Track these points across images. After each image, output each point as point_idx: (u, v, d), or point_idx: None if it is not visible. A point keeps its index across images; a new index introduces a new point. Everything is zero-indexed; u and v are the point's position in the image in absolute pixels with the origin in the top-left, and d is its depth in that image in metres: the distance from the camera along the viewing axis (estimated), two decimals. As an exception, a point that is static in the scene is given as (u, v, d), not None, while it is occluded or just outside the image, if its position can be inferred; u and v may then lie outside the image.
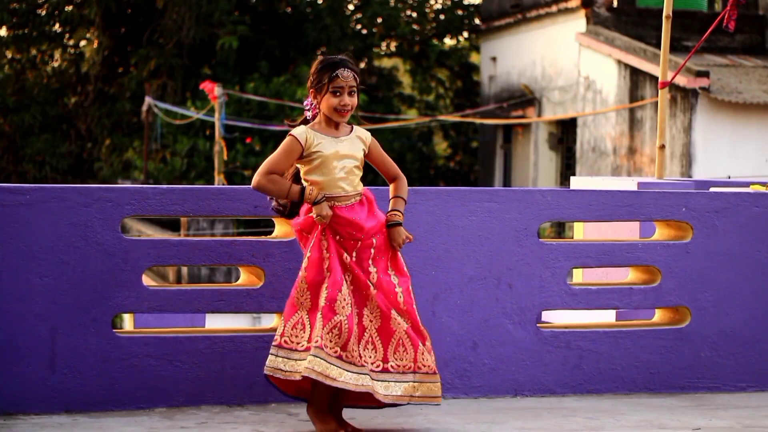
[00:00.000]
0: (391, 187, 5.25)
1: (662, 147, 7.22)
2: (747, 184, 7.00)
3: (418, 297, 5.21)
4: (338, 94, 5.03)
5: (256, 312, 5.87)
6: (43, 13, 33.01)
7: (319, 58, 5.15)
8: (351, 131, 5.15)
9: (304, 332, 4.98)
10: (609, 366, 6.03)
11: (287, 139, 5.06)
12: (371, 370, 4.98)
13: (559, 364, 5.97)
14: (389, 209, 5.18)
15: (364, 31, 33.11)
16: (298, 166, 5.11)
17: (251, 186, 5.11)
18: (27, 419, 5.31)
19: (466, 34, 35.32)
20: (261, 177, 5.04)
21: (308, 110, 5.17)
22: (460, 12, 34.58)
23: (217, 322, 7.72)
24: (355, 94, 5.09)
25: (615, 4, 25.10)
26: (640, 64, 22.74)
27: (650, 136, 22.52)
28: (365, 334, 5.00)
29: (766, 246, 6.20)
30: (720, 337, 6.15)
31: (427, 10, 34.80)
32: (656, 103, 19.88)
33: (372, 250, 5.07)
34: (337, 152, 5.06)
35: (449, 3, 34.79)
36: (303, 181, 5.10)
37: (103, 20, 31.62)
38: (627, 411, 5.69)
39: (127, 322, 11.47)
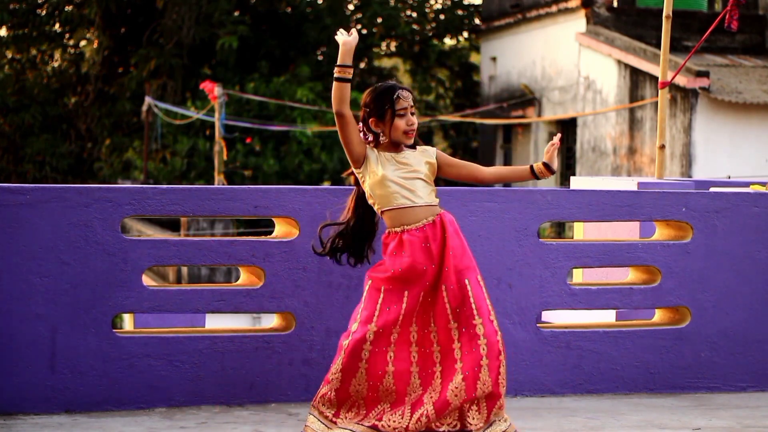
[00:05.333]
0: (494, 169, 5.13)
1: (662, 147, 7.22)
2: (747, 184, 7.00)
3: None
4: (403, 114, 4.96)
5: (256, 312, 5.87)
6: (43, 13, 32.99)
7: (370, 88, 5.04)
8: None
9: None
10: (609, 366, 6.03)
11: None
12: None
13: (559, 364, 5.97)
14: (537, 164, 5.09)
15: (364, 31, 33.04)
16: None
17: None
18: (27, 419, 5.31)
19: (466, 34, 35.30)
20: None
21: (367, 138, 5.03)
22: (460, 12, 34.55)
23: (217, 322, 7.71)
24: (415, 115, 5.02)
25: (615, 4, 25.09)
26: (640, 64, 22.74)
27: (650, 136, 22.52)
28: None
29: (766, 246, 6.19)
30: (720, 337, 6.15)
31: (427, 10, 34.77)
32: (656, 103, 19.87)
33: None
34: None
35: (449, 3, 34.75)
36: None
37: (103, 20, 31.60)
38: (627, 411, 5.69)
39: (127, 322, 11.48)
